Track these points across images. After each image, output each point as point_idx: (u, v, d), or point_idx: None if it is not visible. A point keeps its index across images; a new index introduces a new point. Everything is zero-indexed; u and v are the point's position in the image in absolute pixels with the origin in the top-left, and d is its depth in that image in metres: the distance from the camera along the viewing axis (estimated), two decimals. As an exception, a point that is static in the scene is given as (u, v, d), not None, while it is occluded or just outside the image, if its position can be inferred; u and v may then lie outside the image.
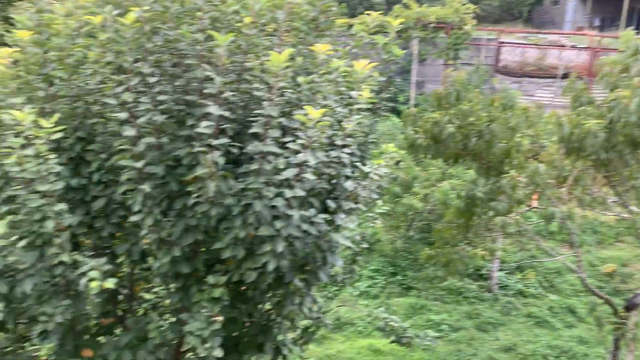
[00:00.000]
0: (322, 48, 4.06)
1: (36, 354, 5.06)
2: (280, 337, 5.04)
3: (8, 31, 5.29)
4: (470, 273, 13.36)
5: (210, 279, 4.16)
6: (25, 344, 5.08)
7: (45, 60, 4.39)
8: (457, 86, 8.01)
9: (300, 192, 3.62)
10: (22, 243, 3.82)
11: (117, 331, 5.30)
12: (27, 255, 3.87)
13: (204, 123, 3.56)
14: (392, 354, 10.55)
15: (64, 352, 4.51)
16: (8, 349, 4.95)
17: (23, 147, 3.78)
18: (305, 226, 3.76)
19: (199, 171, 3.66)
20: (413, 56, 20.58)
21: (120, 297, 5.29)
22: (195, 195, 3.82)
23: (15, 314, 4.09)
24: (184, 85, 4.04)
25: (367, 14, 5.31)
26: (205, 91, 3.73)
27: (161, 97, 3.81)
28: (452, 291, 12.85)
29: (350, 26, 5.51)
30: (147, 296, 5.99)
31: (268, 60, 3.66)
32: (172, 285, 4.68)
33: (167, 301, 5.95)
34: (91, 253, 4.40)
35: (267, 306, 5.04)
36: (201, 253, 4.40)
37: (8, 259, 3.80)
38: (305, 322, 6.00)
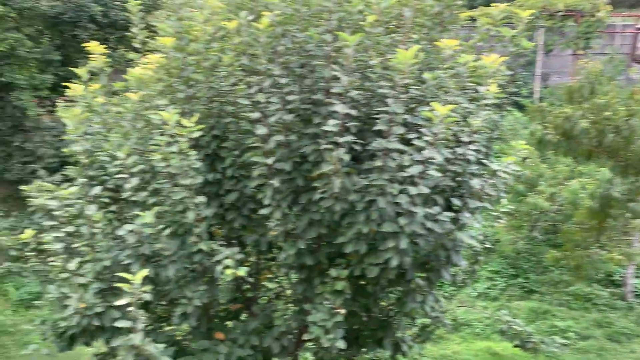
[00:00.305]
0: (448, 43, 3.99)
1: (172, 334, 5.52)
2: (399, 334, 5.05)
3: (151, 38, 5.83)
4: (600, 279, 12.38)
5: (333, 272, 4.28)
6: (162, 324, 5.56)
7: (185, 65, 4.76)
8: (591, 78, 7.45)
9: (424, 190, 3.61)
10: (167, 232, 4.20)
11: (242, 317, 5.65)
12: (171, 242, 4.26)
13: (331, 121, 3.67)
14: (512, 359, 10.10)
15: (199, 333, 4.89)
16: (149, 328, 5.46)
17: (168, 144, 4.16)
18: (429, 224, 3.74)
19: (325, 168, 3.78)
20: (538, 47, 19.41)
21: (245, 286, 5.61)
22: (321, 190, 3.94)
23: (159, 296, 4.51)
24: (311, 85, 4.19)
25: (494, 5, 5.12)
26: (331, 90, 3.83)
27: (290, 97, 3.98)
28: (579, 297, 12.00)
29: (474, 19, 5.35)
30: (269, 285, 6.31)
31: (393, 58, 3.67)
32: (296, 276, 4.88)
33: (288, 291, 6.24)
34: (222, 243, 4.70)
35: (387, 302, 5.08)
36: (324, 246, 4.54)
37: (155, 245, 4.19)
38: (423, 321, 5.96)
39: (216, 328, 5.10)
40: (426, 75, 3.93)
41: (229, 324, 5.50)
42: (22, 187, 4.62)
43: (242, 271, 4.08)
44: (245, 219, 4.85)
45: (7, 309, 11.49)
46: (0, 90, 14.41)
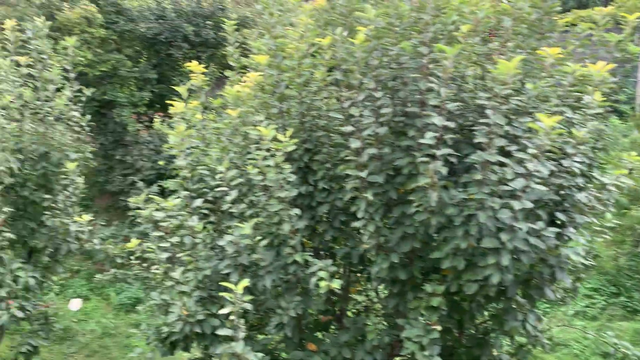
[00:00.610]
0: (550, 52, 3.83)
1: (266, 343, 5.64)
2: (495, 352, 4.87)
3: (243, 56, 6.06)
4: None
5: (428, 288, 4.21)
6: (256, 333, 5.71)
7: (279, 81, 4.90)
8: None
9: (528, 204, 3.47)
10: (263, 243, 4.33)
11: (331, 329, 5.68)
12: (267, 253, 4.38)
13: (428, 134, 3.62)
14: (615, 384, 9.41)
15: (291, 344, 4.96)
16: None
17: (264, 158, 4.29)
18: (532, 239, 3.58)
19: (421, 181, 3.73)
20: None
21: (335, 298, 5.63)
22: (416, 204, 3.90)
23: (255, 306, 4.64)
24: (404, 98, 4.17)
25: (596, 9, 4.86)
26: (427, 102, 3.79)
27: (384, 110, 3.98)
28: (691, 320, 11.00)
29: (572, 24, 5.10)
30: (359, 298, 6.30)
31: (494, 68, 3.58)
32: (387, 290, 4.85)
33: (378, 305, 6.20)
34: (311, 254, 4.76)
35: (482, 319, 4.92)
36: (417, 261, 4.48)
37: (252, 256, 4.33)
38: (518, 339, 5.70)
39: (308, 339, 5.16)
40: (529, 86, 3.79)
41: (319, 335, 5.55)
42: (130, 200, 4.92)
43: (336, 284, 4.11)
44: (337, 231, 4.90)
45: (109, 312, 12.27)
46: (103, 108, 15.52)
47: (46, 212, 7.18)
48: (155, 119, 16.60)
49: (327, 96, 4.74)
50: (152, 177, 14.82)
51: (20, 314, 6.06)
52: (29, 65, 7.15)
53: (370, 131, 4.02)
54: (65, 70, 7.40)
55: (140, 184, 14.09)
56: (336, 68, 4.42)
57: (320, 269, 4.19)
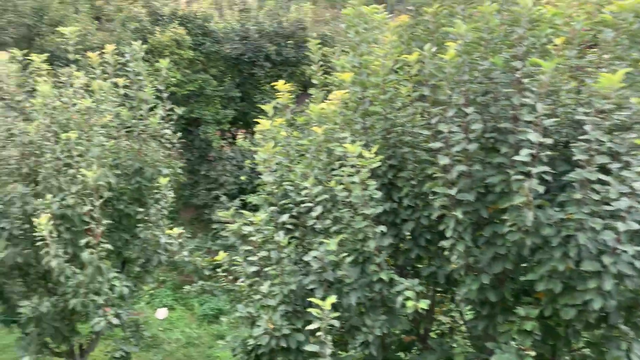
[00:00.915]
0: (658, 63, 3.59)
1: None
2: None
3: (326, 74, 6.14)
4: None
5: (521, 311, 4.02)
6: (337, 350, 5.68)
7: (362, 98, 4.92)
8: None
9: (634, 225, 3.24)
10: (348, 260, 4.32)
11: (414, 349, 5.55)
12: (352, 270, 4.36)
13: (523, 151, 3.49)
14: None
15: (374, 362, 4.89)
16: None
17: (349, 175, 4.30)
18: (638, 263, 3.34)
19: (515, 199, 3.59)
20: None
21: (419, 318, 5.51)
22: (509, 223, 3.75)
23: (340, 322, 4.62)
24: (495, 113, 4.05)
25: None
26: (521, 118, 3.66)
27: (474, 126, 3.88)
28: None
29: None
30: (443, 319, 6.14)
31: (595, 82, 3.40)
32: (474, 312, 4.68)
33: (463, 327, 6.00)
34: (394, 272, 4.68)
35: (580, 346, 4.62)
36: (509, 282, 4.30)
37: (337, 272, 4.33)
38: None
39: (390, 358, 5.08)
40: (634, 100, 3.56)
41: (401, 355, 5.45)
42: (219, 213, 5.09)
43: (424, 304, 4.03)
44: (422, 250, 4.80)
45: (193, 323, 12.70)
46: (190, 125, 16.26)
47: (139, 225, 7.58)
48: (238, 136, 17.24)
49: (413, 112, 4.70)
50: (234, 192, 15.29)
51: (115, 321, 6.40)
52: (125, 86, 7.63)
53: (459, 147, 3.93)
54: (158, 90, 7.84)
55: (224, 198, 14.61)
56: (423, 84, 4.37)
57: (406, 288, 4.12)
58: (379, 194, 4.31)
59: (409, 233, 4.80)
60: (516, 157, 3.51)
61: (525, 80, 3.69)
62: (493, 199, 4.00)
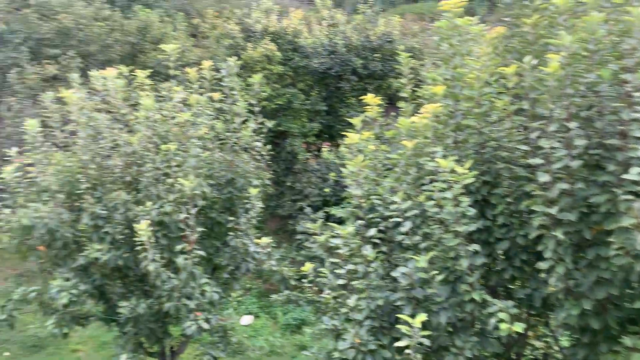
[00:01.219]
0: None
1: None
2: None
3: (416, 86, 6.07)
4: None
5: (627, 341, 3.74)
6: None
7: (454, 111, 4.81)
8: None
9: None
10: (439, 278, 4.21)
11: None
12: (442, 289, 4.25)
13: (634, 169, 3.25)
14: None
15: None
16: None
17: (441, 190, 4.21)
18: None
19: (624, 221, 3.35)
20: None
21: (512, 341, 5.25)
22: (616, 246, 3.50)
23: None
24: (601, 129, 3.81)
25: None
26: (631, 134, 3.42)
27: (578, 142, 3.67)
28: None
29: None
30: (536, 344, 5.82)
31: None
32: (575, 339, 4.40)
33: (558, 354, 5.66)
34: (485, 292, 4.50)
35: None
36: (613, 309, 4.01)
37: (427, 290, 4.24)
38: None
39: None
40: None
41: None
42: (307, 225, 5.15)
43: (519, 327, 3.85)
44: (517, 270, 4.59)
45: (276, 331, 12.92)
46: (277, 137, 16.69)
47: (229, 233, 7.85)
48: (323, 149, 17.46)
49: (510, 126, 4.52)
50: (318, 204, 15.46)
51: (205, 326, 6.64)
52: (220, 100, 7.97)
53: (561, 164, 3.73)
54: (250, 104, 8.12)
55: (308, 209, 14.81)
56: (522, 97, 4.21)
57: (500, 310, 3.95)
58: (472, 211, 4.18)
59: (502, 252, 4.62)
60: (625, 176, 3.27)
61: (636, 94, 3.45)
62: (597, 219, 3.76)
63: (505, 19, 5.54)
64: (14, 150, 7.53)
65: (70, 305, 6.98)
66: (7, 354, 11.47)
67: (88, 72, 8.06)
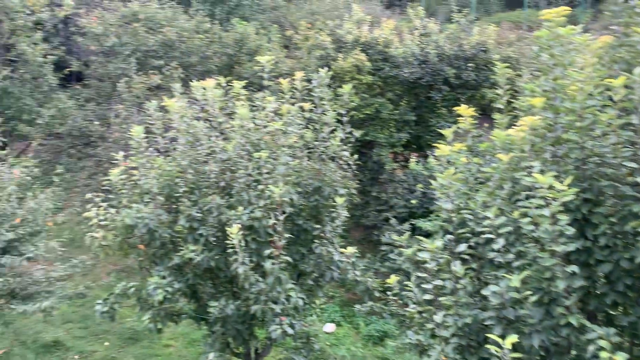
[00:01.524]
0: None
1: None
2: None
3: (514, 98, 5.85)
4: None
5: None
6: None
7: (554, 124, 4.59)
8: None
9: None
10: (533, 299, 4.02)
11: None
12: (536, 310, 4.05)
13: None
14: None
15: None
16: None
17: (538, 207, 4.02)
18: None
19: None
20: None
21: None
22: None
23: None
24: None
25: None
26: None
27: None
28: None
29: None
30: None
31: None
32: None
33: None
34: (582, 317, 4.22)
35: None
36: None
37: (519, 311, 4.06)
38: None
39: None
40: None
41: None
42: (394, 237, 5.11)
43: (622, 358, 3.57)
44: (619, 296, 4.29)
45: (358, 342, 12.88)
46: (364, 147, 16.70)
47: (315, 240, 7.96)
48: (410, 159, 17.25)
49: (615, 142, 4.24)
50: (404, 215, 15.27)
51: (290, 331, 6.76)
52: (310, 110, 8.13)
53: (674, 184, 3.45)
54: (339, 114, 8.20)
55: (393, 220, 14.67)
56: (630, 111, 3.94)
57: (600, 337, 3.70)
58: (571, 230, 3.96)
59: (604, 276, 4.33)
60: None
61: None
62: None
63: (613, 27, 5.22)
64: (120, 155, 8.11)
65: (164, 302, 7.38)
66: (106, 344, 12.32)
67: (189, 82, 8.53)
